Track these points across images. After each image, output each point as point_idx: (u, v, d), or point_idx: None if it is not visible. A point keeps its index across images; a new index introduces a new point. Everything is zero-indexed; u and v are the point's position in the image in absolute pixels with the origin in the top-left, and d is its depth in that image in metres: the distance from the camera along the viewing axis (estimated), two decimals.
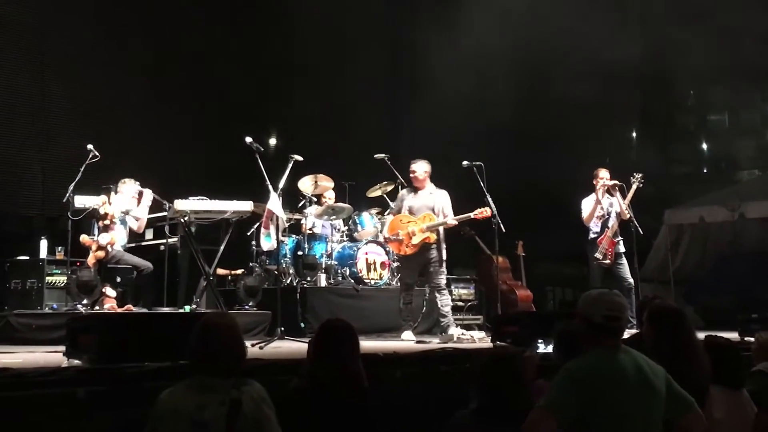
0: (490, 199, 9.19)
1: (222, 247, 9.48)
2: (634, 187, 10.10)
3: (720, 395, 4.51)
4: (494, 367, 4.08)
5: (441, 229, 9.32)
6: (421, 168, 9.43)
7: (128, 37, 12.41)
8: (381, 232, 11.27)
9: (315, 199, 11.26)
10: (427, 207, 9.33)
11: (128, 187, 9.45)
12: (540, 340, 4.95)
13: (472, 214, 9.22)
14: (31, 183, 11.42)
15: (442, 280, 9.41)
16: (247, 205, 9.17)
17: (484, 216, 9.26)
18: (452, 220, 9.26)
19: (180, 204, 8.86)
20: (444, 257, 9.37)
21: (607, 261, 10.04)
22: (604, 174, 10.25)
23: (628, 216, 10.02)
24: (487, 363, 4.14)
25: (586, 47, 13.38)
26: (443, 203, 9.37)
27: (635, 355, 3.87)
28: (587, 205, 10.24)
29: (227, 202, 9.18)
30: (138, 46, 12.57)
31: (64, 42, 11.82)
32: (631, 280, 9.98)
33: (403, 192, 9.69)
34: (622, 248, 10.13)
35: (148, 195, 9.53)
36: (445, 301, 9.34)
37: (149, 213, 9.64)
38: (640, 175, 10.15)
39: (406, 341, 9.03)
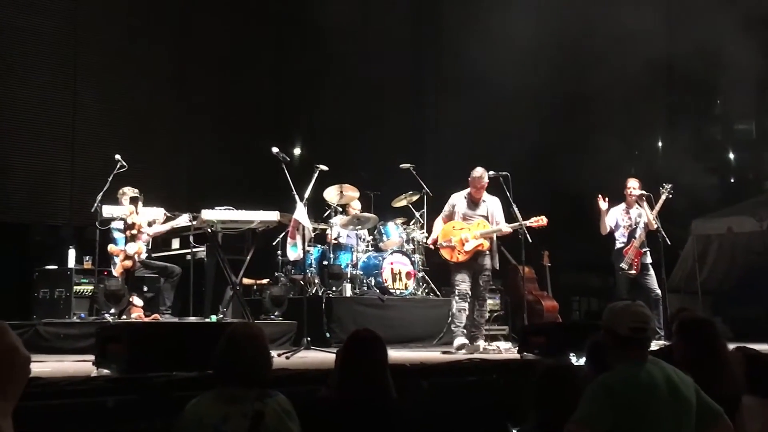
0: (516, 209, 9.16)
1: (248, 257, 9.50)
2: (663, 197, 9.99)
3: (756, 406, 4.46)
4: (554, 380, 4.04)
5: (494, 237, 9.27)
6: (486, 177, 9.29)
7: (156, 49, 12.51)
8: (407, 242, 11.29)
9: (340, 209, 11.28)
10: (481, 215, 9.26)
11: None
12: (572, 353, 4.90)
13: (528, 222, 9.15)
14: (59, 193, 11.50)
15: (487, 292, 9.43)
16: (273, 215, 9.20)
17: (540, 225, 9.20)
18: (507, 228, 9.16)
19: (207, 214, 8.89)
20: (497, 266, 9.36)
21: (633, 271, 9.95)
22: (632, 183, 10.17)
23: (656, 226, 9.93)
24: (542, 376, 4.09)
25: (611, 55, 13.33)
26: (494, 209, 9.31)
27: (664, 366, 3.84)
28: (611, 215, 10.17)
29: (254, 212, 9.21)
30: (165, 57, 12.67)
31: (94, 53, 11.91)
32: (659, 291, 9.89)
33: (456, 197, 9.43)
34: (648, 259, 10.05)
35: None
36: (482, 313, 9.32)
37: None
38: (670, 185, 10.04)
39: (459, 352, 8.82)
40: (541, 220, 9.20)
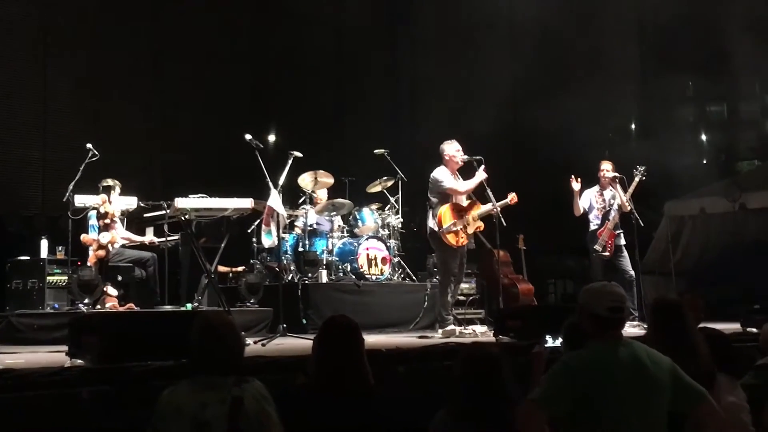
0: (491, 193, 9.14)
1: (223, 245, 9.46)
2: (637, 179, 10.06)
3: (725, 383, 4.52)
4: (470, 365, 4.03)
5: None
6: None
7: (129, 36, 12.40)
8: (382, 227, 11.27)
9: (316, 195, 11.25)
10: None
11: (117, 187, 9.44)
12: (548, 335, 4.93)
13: (507, 200, 9.13)
14: (30, 183, 11.41)
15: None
16: (247, 203, 9.14)
17: (514, 201, 9.15)
18: (498, 206, 9.04)
19: (180, 202, 8.82)
20: None
21: (607, 253, 10.02)
22: (605, 166, 10.23)
23: (629, 208, 9.99)
24: (461, 360, 4.08)
25: (585, 36, 13.37)
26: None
27: (636, 348, 3.85)
28: (585, 197, 10.22)
29: (228, 200, 9.14)
30: (138, 44, 12.57)
31: (65, 40, 11.80)
32: (632, 273, 9.96)
33: (442, 175, 9.11)
34: (622, 241, 10.11)
35: None
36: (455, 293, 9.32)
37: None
38: (643, 167, 10.11)
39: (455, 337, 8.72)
40: (514, 198, 9.17)
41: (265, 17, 13.97)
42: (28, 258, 9.54)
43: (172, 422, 3.60)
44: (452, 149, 9.15)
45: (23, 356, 6.37)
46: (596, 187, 10.26)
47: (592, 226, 10.16)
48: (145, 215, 9.62)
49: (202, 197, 9.12)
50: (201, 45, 13.11)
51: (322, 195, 11.26)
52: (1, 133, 11.19)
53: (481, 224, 9.15)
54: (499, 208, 9.10)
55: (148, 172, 11.96)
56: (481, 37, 13.46)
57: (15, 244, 10.29)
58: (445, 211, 8.99)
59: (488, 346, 5.05)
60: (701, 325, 5.13)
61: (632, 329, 8.48)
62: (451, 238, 8.97)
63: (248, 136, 8.75)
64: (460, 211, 9.06)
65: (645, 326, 8.06)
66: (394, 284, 11.06)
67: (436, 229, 8.98)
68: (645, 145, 16.32)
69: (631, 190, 10.04)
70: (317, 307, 9.89)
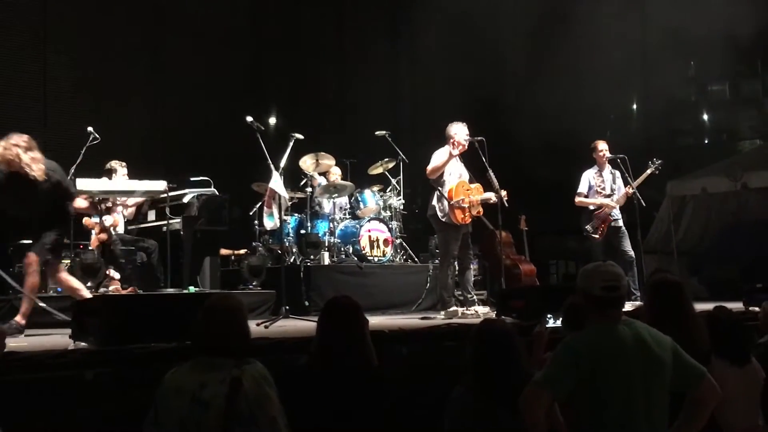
0: (492, 174, 9.08)
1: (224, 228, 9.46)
2: (649, 171, 10.02)
3: (724, 370, 4.50)
4: (482, 339, 4.05)
5: None
6: None
7: (128, 18, 12.37)
8: (384, 209, 11.28)
9: (316, 177, 11.23)
10: (465, 176, 9.15)
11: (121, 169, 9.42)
12: (549, 315, 4.95)
13: (503, 194, 8.99)
14: None
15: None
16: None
17: (506, 198, 9.09)
18: (495, 198, 8.96)
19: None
20: None
21: (597, 236, 9.98)
22: (603, 146, 10.19)
23: (632, 191, 9.95)
24: (476, 336, 4.10)
25: (584, 19, 13.32)
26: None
27: (638, 327, 3.85)
28: (584, 179, 10.17)
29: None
30: (138, 27, 12.54)
31: (65, 24, 11.78)
32: (632, 253, 9.93)
33: (445, 153, 9.03)
34: (620, 223, 10.08)
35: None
36: (470, 277, 9.29)
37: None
38: (659, 161, 10.08)
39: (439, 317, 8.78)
40: (505, 195, 9.08)
41: None
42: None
43: (172, 401, 3.63)
44: (459, 131, 9.08)
45: (27, 339, 6.39)
46: (594, 168, 10.22)
47: (591, 207, 10.11)
48: None
49: (204, 180, 9.13)
50: (201, 26, 13.07)
51: (336, 172, 11.40)
52: (2, 117, 11.16)
53: (481, 209, 9.14)
54: (496, 200, 9.03)
55: (151, 155, 11.94)
56: (478, 19, 13.38)
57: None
58: (456, 186, 8.97)
59: (499, 321, 5.07)
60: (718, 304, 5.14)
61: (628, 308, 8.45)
62: (458, 214, 8.91)
63: (249, 119, 8.72)
64: (468, 191, 9.02)
65: (636, 304, 8.08)
66: (396, 266, 11.08)
67: (438, 212, 8.94)
68: (647, 126, 16.30)
69: (640, 180, 9.98)
70: (320, 289, 9.92)
